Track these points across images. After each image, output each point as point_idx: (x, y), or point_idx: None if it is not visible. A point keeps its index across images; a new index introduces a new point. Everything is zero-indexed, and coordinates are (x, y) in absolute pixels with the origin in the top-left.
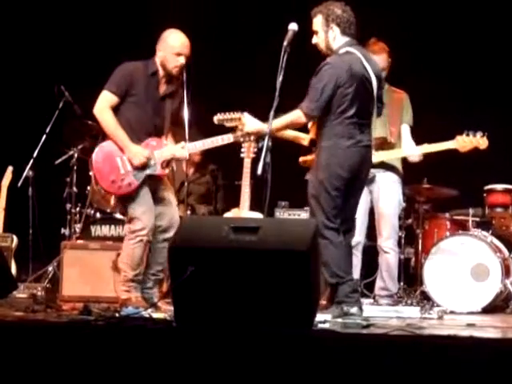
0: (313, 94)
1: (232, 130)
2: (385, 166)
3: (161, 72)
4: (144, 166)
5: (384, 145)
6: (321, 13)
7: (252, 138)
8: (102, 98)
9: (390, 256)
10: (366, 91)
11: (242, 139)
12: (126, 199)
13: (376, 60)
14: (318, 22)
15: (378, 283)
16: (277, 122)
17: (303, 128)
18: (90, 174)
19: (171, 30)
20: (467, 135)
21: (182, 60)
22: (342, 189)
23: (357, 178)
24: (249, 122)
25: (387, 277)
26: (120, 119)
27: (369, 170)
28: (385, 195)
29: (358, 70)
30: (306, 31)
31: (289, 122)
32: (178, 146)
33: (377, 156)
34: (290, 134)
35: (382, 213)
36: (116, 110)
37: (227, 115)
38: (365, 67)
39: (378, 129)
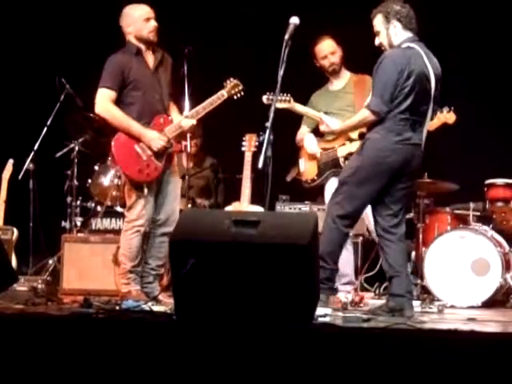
0: (377, 91)
1: (223, 86)
2: None
3: (142, 47)
4: (162, 147)
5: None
6: (380, 12)
7: (240, 88)
8: (100, 96)
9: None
10: (424, 88)
11: (233, 92)
12: (137, 189)
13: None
14: (378, 22)
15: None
16: (346, 124)
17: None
18: (108, 165)
19: (128, 6)
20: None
21: (153, 23)
22: (379, 183)
23: (396, 177)
24: (326, 121)
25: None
26: (125, 109)
27: (414, 170)
28: None
29: (417, 65)
30: (307, 25)
31: (357, 123)
32: (181, 117)
33: (352, 146)
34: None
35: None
36: (118, 101)
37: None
38: (425, 64)
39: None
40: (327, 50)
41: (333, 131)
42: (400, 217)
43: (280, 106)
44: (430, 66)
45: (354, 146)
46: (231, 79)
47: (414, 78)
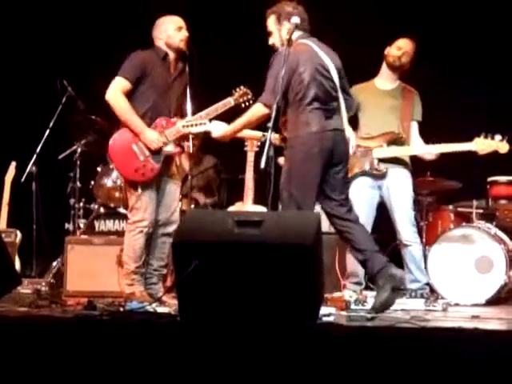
0: (268, 84)
1: (231, 94)
2: (397, 161)
3: (170, 54)
4: (163, 146)
5: (396, 140)
6: (273, 13)
7: (250, 96)
8: (115, 84)
9: (412, 248)
10: (325, 78)
11: (241, 101)
12: (133, 188)
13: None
14: (271, 23)
15: (407, 276)
16: (239, 121)
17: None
18: (111, 167)
19: (162, 17)
20: (485, 137)
21: (184, 32)
22: (315, 173)
23: (329, 164)
24: (214, 128)
25: (414, 268)
26: (135, 105)
27: (344, 154)
28: (398, 190)
29: (310, 57)
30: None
31: (250, 117)
32: (183, 122)
33: (388, 151)
34: (259, 135)
35: (397, 208)
36: (130, 96)
37: (190, 122)
38: (319, 55)
39: (389, 123)
40: (406, 47)
41: (223, 135)
42: (348, 205)
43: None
44: (328, 58)
45: (391, 151)
46: (241, 87)
47: (310, 70)
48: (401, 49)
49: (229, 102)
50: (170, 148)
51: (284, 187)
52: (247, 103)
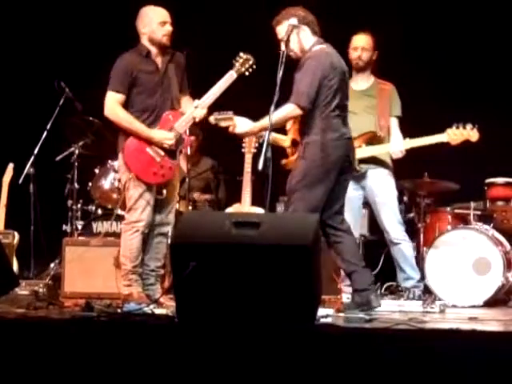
0: (302, 87)
1: (232, 67)
2: (375, 160)
3: (153, 50)
4: (176, 143)
5: (373, 139)
6: (285, 19)
7: (252, 62)
8: (109, 100)
9: (402, 246)
10: (345, 85)
11: (243, 70)
12: (131, 188)
13: None
14: (284, 29)
15: (400, 275)
16: (268, 119)
17: (282, 129)
18: (130, 176)
19: (146, 7)
20: (457, 128)
21: (168, 27)
22: (330, 180)
23: (342, 171)
24: (240, 123)
25: (406, 266)
26: (134, 111)
27: (351, 163)
28: (381, 189)
29: (338, 64)
30: None
31: (282, 117)
32: (191, 108)
33: (366, 151)
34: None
35: (382, 207)
36: (127, 103)
37: (222, 115)
38: (342, 62)
39: (367, 123)
40: (360, 43)
41: (248, 132)
42: (342, 215)
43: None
44: (343, 64)
45: (369, 150)
46: (241, 54)
47: (338, 76)
48: (357, 48)
49: (231, 75)
50: (182, 141)
51: (296, 187)
52: (250, 69)
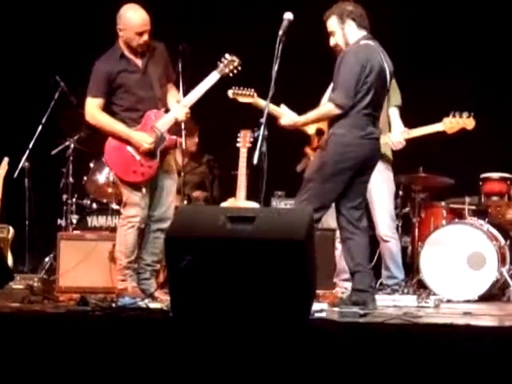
0: (341, 85)
1: (216, 67)
2: None
3: (127, 52)
4: (155, 144)
5: None
6: (333, 13)
7: (236, 63)
8: (88, 106)
9: (391, 244)
10: (382, 84)
11: (227, 71)
12: (126, 184)
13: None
14: (333, 23)
15: (384, 273)
16: (309, 116)
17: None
18: (111, 173)
19: (128, 6)
20: (454, 116)
21: (145, 38)
22: (344, 177)
23: (360, 171)
24: (285, 115)
25: (392, 264)
26: (116, 114)
27: (375, 164)
28: (377, 184)
29: (376, 61)
30: (301, 21)
31: (321, 115)
32: (174, 106)
33: None
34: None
35: (375, 202)
36: (110, 106)
37: (241, 90)
38: (382, 60)
39: None
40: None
41: (295, 123)
42: (362, 210)
43: (243, 100)
44: (386, 64)
45: None
46: (226, 56)
47: (375, 73)
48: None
49: (214, 75)
50: (164, 141)
51: (312, 177)
52: (235, 71)
